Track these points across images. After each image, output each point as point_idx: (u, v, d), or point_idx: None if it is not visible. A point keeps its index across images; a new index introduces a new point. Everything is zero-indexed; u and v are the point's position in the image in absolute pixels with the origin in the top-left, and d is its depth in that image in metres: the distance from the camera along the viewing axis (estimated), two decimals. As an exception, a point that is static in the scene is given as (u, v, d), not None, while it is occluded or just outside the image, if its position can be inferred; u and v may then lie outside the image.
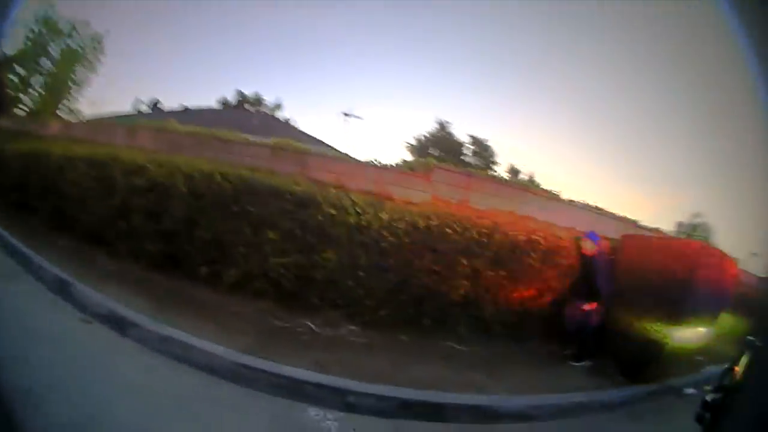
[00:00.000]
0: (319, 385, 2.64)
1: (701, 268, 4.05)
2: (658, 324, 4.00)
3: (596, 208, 6.91)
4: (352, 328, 3.69)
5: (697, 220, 18.58)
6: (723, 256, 4.48)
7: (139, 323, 2.97)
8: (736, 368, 2.35)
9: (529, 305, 4.48)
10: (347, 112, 13.49)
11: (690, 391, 4.30)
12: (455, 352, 3.87)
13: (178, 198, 3.93)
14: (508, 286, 4.35)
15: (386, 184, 5.83)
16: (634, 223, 7.13)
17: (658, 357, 4.05)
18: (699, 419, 2.24)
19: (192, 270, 3.80)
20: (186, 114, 10.70)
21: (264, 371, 2.66)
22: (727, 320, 4.71)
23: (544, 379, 3.70)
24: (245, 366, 2.67)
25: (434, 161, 7.23)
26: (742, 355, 2.63)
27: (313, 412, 2.50)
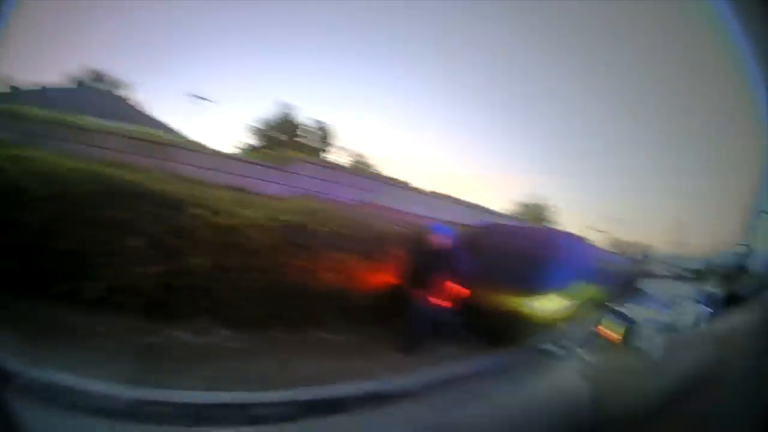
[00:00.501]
0: (220, 405, 2.59)
1: (555, 249, 4.93)
2: (520, 298, 4.72)
3: (450, 196, 7.73)
4: (227, 332, 3.61)
5: (542, 202, 21.97)
6: (573, 236, 5.43)
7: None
8: (599, 327, 3.10)
9: (392, 292, 4.87)
10: (197, 95, 12.36)
11: (553, 349, 5.33)
12: (332, 343, 4.10)
13: (32, 202, 3.27)
14: (373, 275, 4.69)
15: (247, 176, 5.76)
16: (485, 209, 8.24)
17: (522, 324, 4.83)
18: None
19: (52, 287, 3.26)
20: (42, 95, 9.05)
21: (160, 402, 2.48)
22: (579, 288, 5.84)
23: (420, 355, 4.12)
24: (138, 401, 2.45)
25: (293, 153, 7.37)
26: (602, 318, 3.48)
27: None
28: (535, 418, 3.19)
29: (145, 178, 3.87)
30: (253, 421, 2.59)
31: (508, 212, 18.10)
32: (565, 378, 4.15)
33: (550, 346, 5.23)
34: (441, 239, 4.56)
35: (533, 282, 4.78)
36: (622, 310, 3.60)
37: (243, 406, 2.64)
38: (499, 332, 4.84)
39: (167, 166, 5.54)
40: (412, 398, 3.38)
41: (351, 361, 3.72)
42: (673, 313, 4.34)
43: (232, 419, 2.57)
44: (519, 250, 4.92)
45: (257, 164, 6.69)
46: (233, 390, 2.71)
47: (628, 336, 3.23)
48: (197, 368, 2.92)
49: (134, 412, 2.42)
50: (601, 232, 19.32)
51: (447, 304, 4.37)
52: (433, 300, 4.31)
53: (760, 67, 1.22)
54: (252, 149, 8.24)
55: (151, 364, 2.87)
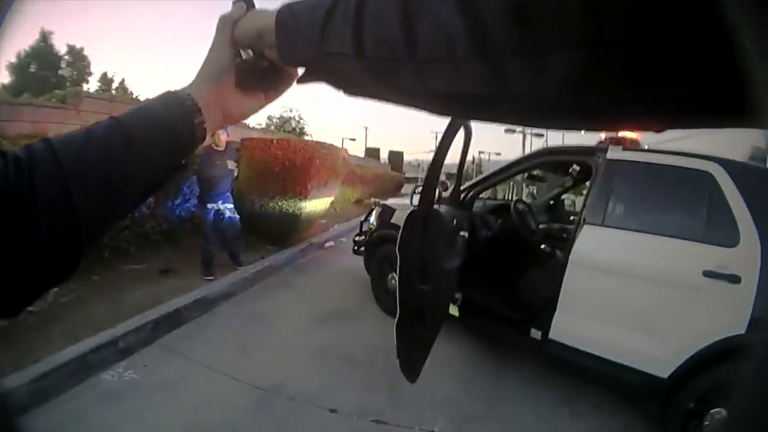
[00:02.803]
0: (96, 348, 2.77)
1: (317, 158, 5.96)
2: (291, 202, 5.74)
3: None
4: (54, 289, 3.49)
5: (289, 114, 23.05)
6: (332, 147, 6.72)
7: None
8: (370, 219, 4.45)
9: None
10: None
11: (329, 244, 6.79)
12: (145, 272, 4.37)
13: None
14: (164, 199, 4.99)
15: (43, 123, 4.94)
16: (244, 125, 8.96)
17: (294, 224, 5.99)
18: (355, 252, 4.41)
19: None
20: None
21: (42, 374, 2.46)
22: (340, 191, 7.26)
23: (222, 265, 4.68)
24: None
25: (82, 91, 6.65)
26: (371, 211, 4.84)
27: (108, 375, 2.70)
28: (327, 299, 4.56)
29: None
30: (124, 353, 2.91)
31: (263, 126, 18.72)
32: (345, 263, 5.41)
33: (330, 243, 6.81)
34: (228, 148, 4.63)
35: (300, 187, 5.74)
36: (385, 202, 4.56)
37: (112, 343, 2.88)
38: (280, 233, 5.92)
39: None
40: (229, 297, 4.22)
41: (168, 282, 4.19)
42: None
43: (108, 360, 2.80)
44: (284, 161, 5.65)
45: (49, 107, 5.55)
46: (88, 337, 2.85)
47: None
48: (47, 331, 2.91)
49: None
50: (352, 140, 22.42)
51: (229, 213, 4.61)
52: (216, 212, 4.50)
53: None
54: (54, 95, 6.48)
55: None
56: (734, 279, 2.15)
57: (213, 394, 2.60)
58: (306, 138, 13.77)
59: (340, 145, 8.21)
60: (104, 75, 31.76)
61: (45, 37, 26.62)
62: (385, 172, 20.35)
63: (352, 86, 0.39)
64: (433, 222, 2.20)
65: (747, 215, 2.21)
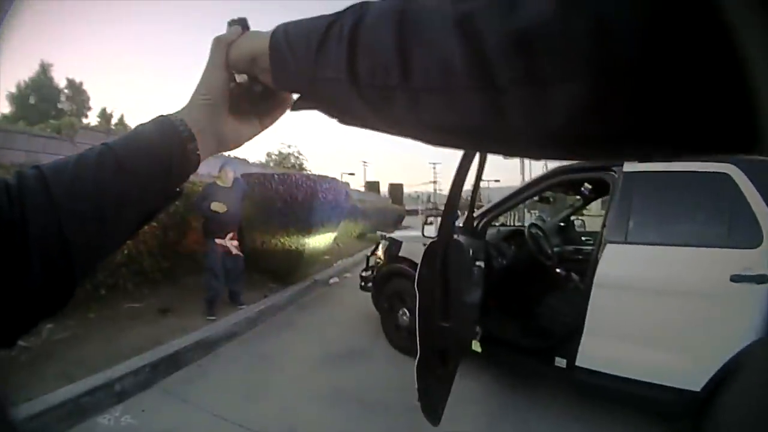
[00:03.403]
0: (91, 390, 2.63)
1: (319, 192, 5.85)
2: (293, 238, 5.60)
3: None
4: (50, 326, 3.34)
5: (288, 150, 23.80)
6: (334, 180, 6.65)
7: None
8: (377, 253, 4.33)
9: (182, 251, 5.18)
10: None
11: (334, 280, 6.60)
12: (144, 310, 4.23)
13: None
14: (163, 237, 4.87)
15: (37, 152, 5.05)
16: (241, 160, 9.16)
17: (297, 261, 5.83)
18: (362, 288, 4.22)
19: None
20: None
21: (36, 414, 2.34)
22: (344, 226, 7.19)
23: (222, 304, 4.53)
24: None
25: (77, 121, 6.95)
26: (378, 245, 4.73)
27: (103, 419, 2.54)
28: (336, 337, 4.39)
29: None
30: (121, 397, 2.74)
31: (263, 162, 19.08)
32: (351, 300, 5.29)
33: (335, 279, 6.63)
34: (235, 186, 4.55)
35: (303, 222, 5.62)
36: (392, 235, 4.47)
37: (107, 386, 2.72)
38: (283, 270, 5.76)
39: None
40: (232, 338, 4.03)
41: (167, 321, 4.00)
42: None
43: (104, 403, 2.65)
44: (286, 196, 5.53)
45: (44, 137, 5.70)
46: (84, 378, 2.71)
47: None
48: (40, 369, 2.77)
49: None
50: (351, 174, 22.75)
51: (235, 250, 4.56)
52: (223, 248, 4.44)
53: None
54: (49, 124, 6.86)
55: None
56: (762, 279, 2.08)
57: (217, 444, 2.37)
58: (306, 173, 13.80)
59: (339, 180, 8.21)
60: (103, 110, 31.92)
61: (45, 69, 27.01)
62: (386, 205, 20.32)
63: (346, 115, 0.37)
64: (454, 254, 2.10)
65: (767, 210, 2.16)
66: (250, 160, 10.99)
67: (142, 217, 0.41)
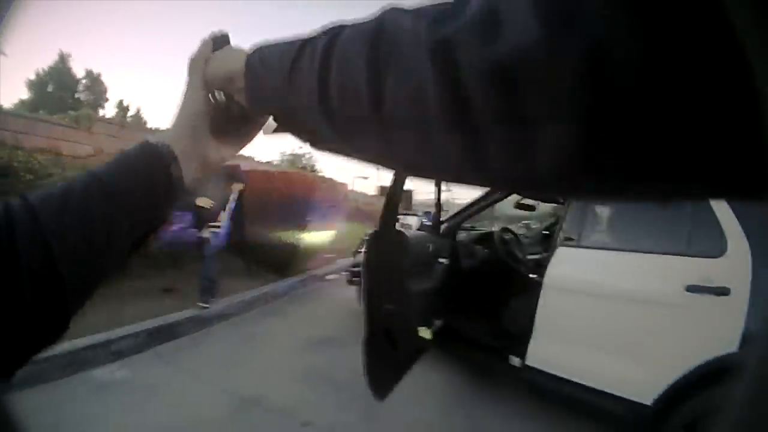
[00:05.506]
0: (88, 348, 2.97)
1: (317, 191, 6.22)
2: (291, 233, 5.94)
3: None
4: None
5: (300, 151, 24.27)
6: (333, 181, 7.00)
7: None
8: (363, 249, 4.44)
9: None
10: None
11: (332, 276, 6.88)
12: (145, 288, 4.53)
13: None
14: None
15: (57, 140, 5.57)
16: (250, 159, 9.67)
17: (295, 255, 6.17)
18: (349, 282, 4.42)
19: None
20: None
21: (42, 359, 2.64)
22: (350, 227, 7.49)
23: (230, 283, 5.01)
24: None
25: (94, 114, 7.61)
26: (364, 241, 4.78)
27: (97, 372, 2.89)
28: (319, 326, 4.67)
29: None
30: (117, 355, 3.12)
31: (275, 162, 19.58)
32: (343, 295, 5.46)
33: (332, 276, 6.93)
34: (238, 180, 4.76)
35: (300, 219, 5.96)
36: None
37: (105, 343, 3.10)
38: (280, 262, 6.09)
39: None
40: (222, 318, 4.38)
41: (169, 300, 4.36)
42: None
43: (99, 359, 3.01)
44: (287, 194, 5.93)
45: (61, 125, 6.23)
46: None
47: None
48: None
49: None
50: (365, 178, 23.07)
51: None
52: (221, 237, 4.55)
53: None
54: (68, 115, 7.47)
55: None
56: (722, 291, 1.98)
57: (193, 399, 2.73)
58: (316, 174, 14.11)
59: (350, 183, 8.53)
60: (120, 102, 32.60)
61: (63, 58, 27.49)
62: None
63: (318, 142, 0.36)
64: (397, 243, 2.33)
65: (733, 220, 2.02)
66: (258, 159, 11.49)
67: (131, 246, 0.40)
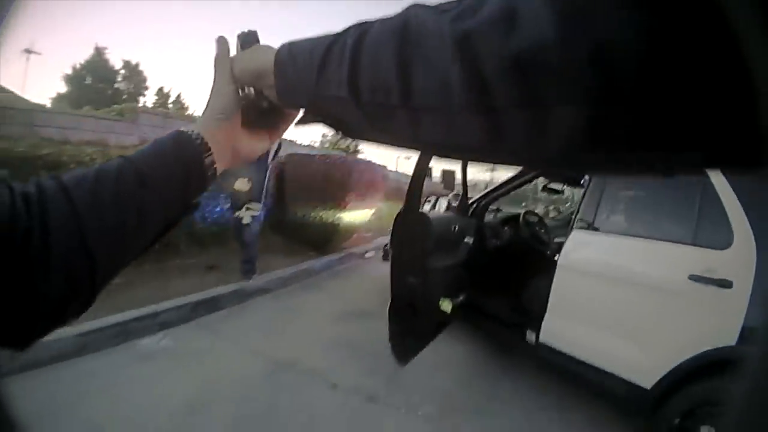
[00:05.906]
0: (136, 319, 3.28)
1: (356, 172, 6.39)
2: (330, 212, 6.14)
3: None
4: None
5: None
6: (371, 163, 7.16)
7: None
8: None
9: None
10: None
11: (370, 254, 7.09)
12: (192, 266, 4.87)
13: None
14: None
15: (103, 133, 6.00)
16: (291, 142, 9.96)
17: (334, 234, 6.38)
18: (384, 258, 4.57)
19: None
20: None
21: (95, 330, 3.00)
22: (387, 206, 7.66)
23: (271, 260, 5.35)
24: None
25: (138, 106, 8.02)
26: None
27: (146, 341, 3.21)
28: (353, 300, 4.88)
29: (10, 144, 3.80)
30: (163, 326, 3.42)
31: (316, 144, 19.98)
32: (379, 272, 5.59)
33: (371, 253, 7.16)
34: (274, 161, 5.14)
35: (339, 199, 6.14)
36: None
37: (151, 316, 3.41)
38: (320, 240, 6.33)
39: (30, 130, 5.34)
40: (265, 292, 4.69)
41: (212, 276, 4.67)
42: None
43: (147, 329, 3.32)
44: (326, 175, 6.14)
45: (107, 119, 6.74)
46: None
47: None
48: (95, 306, 3.44)
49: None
50: (407, 158, 23.17)
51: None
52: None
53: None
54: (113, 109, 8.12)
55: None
56: (724, 284, 1.98)
57: (232, 362, 3.02)
58: (359, 156, 14.29)
59: (394, 164, 8.64)
60: (160, 90, 32.64)
61: (99, 52, 27.56)
62: (435, 190, 20.53)
63: (349, 130, 0.39)
64: (420, 223, 2.49)
65: (741, 213, 2.01)
66: (300, 142, 11.88)
67: (160, 229, 0.42)
